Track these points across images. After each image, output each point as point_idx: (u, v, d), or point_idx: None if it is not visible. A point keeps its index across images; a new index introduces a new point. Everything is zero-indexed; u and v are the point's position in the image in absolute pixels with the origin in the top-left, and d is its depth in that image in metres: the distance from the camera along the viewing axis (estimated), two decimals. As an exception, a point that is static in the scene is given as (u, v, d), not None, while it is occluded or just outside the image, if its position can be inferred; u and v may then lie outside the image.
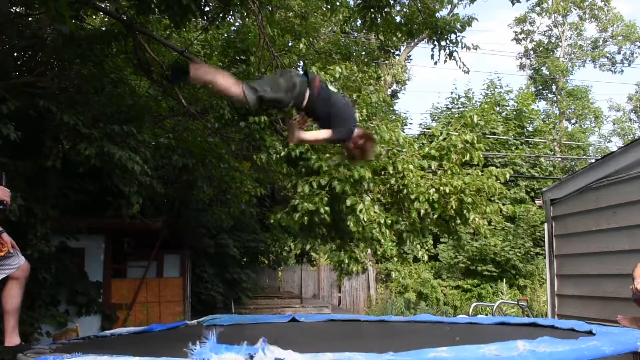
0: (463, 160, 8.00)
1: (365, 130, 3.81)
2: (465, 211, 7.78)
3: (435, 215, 7.77)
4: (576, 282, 6.26)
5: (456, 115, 20.49)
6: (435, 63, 8.59)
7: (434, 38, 8.17)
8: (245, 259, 13.46)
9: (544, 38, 32.55)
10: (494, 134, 20.15)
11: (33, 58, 7.25)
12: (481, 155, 8.04)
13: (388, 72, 22.76)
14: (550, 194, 6.66)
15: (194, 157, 7.99)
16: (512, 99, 22.89)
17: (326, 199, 6.81)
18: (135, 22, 6.84)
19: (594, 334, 3.37)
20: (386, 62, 21.57)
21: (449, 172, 7.90)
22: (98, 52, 7.06)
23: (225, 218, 9.75)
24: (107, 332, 4.58)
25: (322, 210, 6.73)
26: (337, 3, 9.60)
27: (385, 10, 7.89)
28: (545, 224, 6.86)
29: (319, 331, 4.59)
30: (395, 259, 15.48)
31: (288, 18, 9.58)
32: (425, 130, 20.52)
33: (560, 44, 31.79)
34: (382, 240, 7.49)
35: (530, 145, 21.45)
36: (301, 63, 9.91)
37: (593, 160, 8.58)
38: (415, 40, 20.06)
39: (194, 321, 5.00)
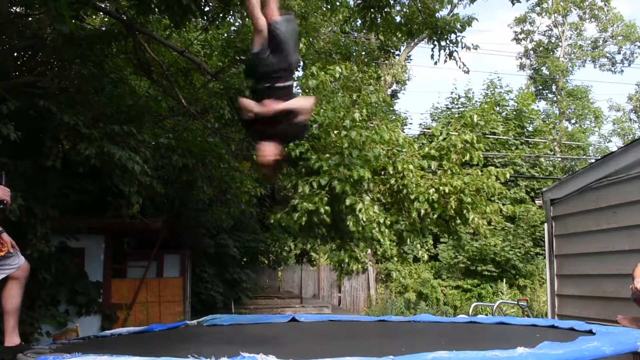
0: (463, 160, 7.99)
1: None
2: (465, 211, 7.78)
3: (435, 215, 7.77)
4: (576, 282, 6.26)
5: (456, 115, 20.49)
6: (435, 63, 8.59)
7: (434, 38, 8.17)
8: (245, 259, 13.46)
9: (544, 38, 32.58)
10: (494, 134, 20.15)
11: (33, 58, 7.25)
12: (481, 155, 8.04)
13: (388, 72, 22.76)
14: (550, 194, 6.66)
15: (194, 157, 7.99)
16: (512, 99, 22.90)
17: (326, 199, 6.81)
18: (135, 22, 6.84)
19: (593, 334, 3.37)
20: (386, 62, 21.57)
21: (449, 172, 7.89)
22: (98, 52, 7.06)
23: (225, 218, 9.75)
24: (107, 332, 4.58)
25: (321, 210, 6.73)
26: (337, 3, 9.60)
27: (385, 10, 7.90)
28: (545, 224, 6.86)
29: (318, 331, 4.59)
30: (395, 259, 15.50)
31: (288, 18, 9.57)
32: (425, 130, 20.52)
33: (560, 44, 31.79)
34: (382, 240, 7.48)
35: (530, 145, 21.45)
36: (301, 63, 9.92)
37: (593, 160, 8.58)
38: (415, 40, 20.04)
39: (194, 321, 5.01)
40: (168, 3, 5.80)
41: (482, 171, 8.16)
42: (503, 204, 11.69)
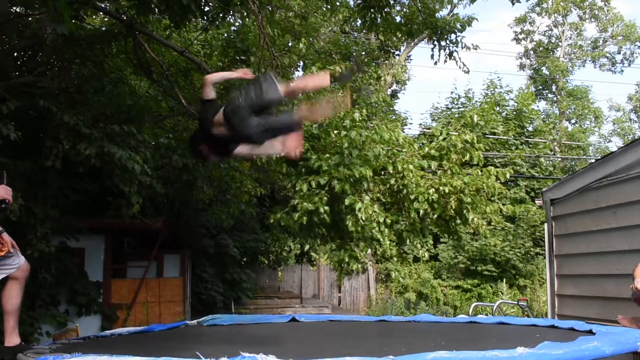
0: (463, 160, 7.99)
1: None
2: (465, 211, 7.78)
3: (435, 215, 7.77)
4: (576, 282, 6.25)
5: (456, 115, 20.49)
6: (435, 63, 8.59)
7: (434, 38, 8.17)
8: (245, 259, 13.46)
9: (544, 38, 32.57)
10: (494, 134, 20.15)
11: (33, 58, 7.25)
12: (481, 155, 8.04)
13: (388, 72, 22.76)
14: (550, 194, 6.66)
15: (193, 157, 7.98)
16: (512, 99, 22.89)
17: (326, 198, 6.81)
18: (135, 22, 6.84)
19: (593, 334, 3.37)
20: (386, 62, 21.57)
21: (449, 172, 7.89)
22: (98, 52, 7.06)
23: (225, 218, 9.75)
24: (107, 332, 4.58)
25: (321, 210, 6.73)
26: (337, 3, 9.60)
27: (385, 10, 7.89)
28: (545, 224, 6.86)
29: (318, 331, 4.59)
30: (395, 259, 15.50)
31: (288, 18, 9.58)
32: (425, 130, 20.52)
33: (560, 44, 31.79)
34: (382, 240, 7.48)
35: (530, 145, 21.45)
36: (301, 63, 9.92)
37: (593, 160, 8.58)
38: (415, 40, 20.05)
39: (194, 321, 5.01)
40: (168, 3, 5.80)
41: (482, 171, 8.16)
42: (503, 204, 11.69)
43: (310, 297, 18.61)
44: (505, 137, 20.48)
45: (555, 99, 31.04)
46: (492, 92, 22.91)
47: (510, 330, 4.17)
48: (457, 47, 8.21)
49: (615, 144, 30.30)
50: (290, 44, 9.21)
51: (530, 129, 22.37)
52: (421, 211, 7.56)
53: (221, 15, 6.98)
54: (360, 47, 11.81)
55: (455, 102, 22.82)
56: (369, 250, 10.85)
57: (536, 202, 12.55)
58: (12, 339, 3.56)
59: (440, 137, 8.23)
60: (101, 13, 8.35)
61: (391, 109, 21.34)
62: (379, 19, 7.98)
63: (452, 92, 23.17)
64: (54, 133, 6.29)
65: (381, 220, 7.21)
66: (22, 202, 5.82)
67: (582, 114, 29.66)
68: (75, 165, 6.40)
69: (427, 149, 8.18)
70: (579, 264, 6.20)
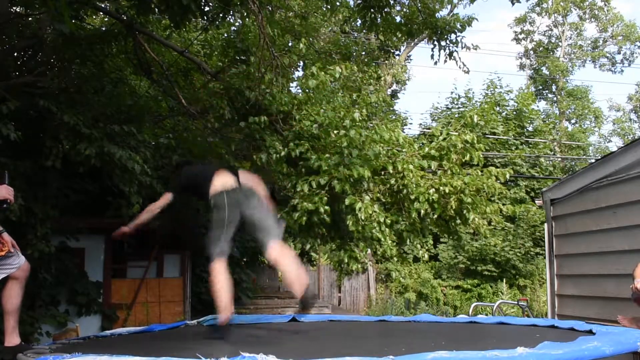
0: (463, 160, 7.98)
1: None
2: (465, 211, 7.77)
3: (435, 215, 7.76)
4: (576, 282, 6.25)
5: (456, 115, 20.49)
6: (435, 63, 8.58)
7: (434, 38, 8.17)
8: (245, 259, 13.45)
9: (544, 38, 32.57)
10: (494, 134, 20.15)
11: (33, 58, 7.25)
12: (481, 155, 8.03)
13: (388, 72, 22.76)
14: (550, 194, 6.66)
15: (194, 157, 7.98)
16: (512, 99, 22.89)
17: (326, 198, 6.80)
18: (135, 22, 6.84)
19: (594, 333, 3.37)
20: (386, 62, 21.56)
21: (449, 172, 7.88)
22: (98, 52, 7.07)
23: (225, 218, 9.72)
24: (107, 332, 4.58)
25: (321, 210, 6.72)
26: (337, 3, 9.60)
27: (385, 10, 7.89)
28: (545, 224, 6.86)
29: (318, 331, 4.59)
30: (395, 259, 15.49)
31: (288, 18, 9.58)
32: (425, 130, 20.52)
33: (560, 44, 31.78)
34: (382, 240, 7.47)
35: (530, 145, 21.45)
36: (301, 63, 9.91)
37: (593, 160, 8.58)
38: (415, 40, 20.05)
39: (194, 321, 5.01)
40: (168, 3, 5.81)
41: (482, 171, 8.15)
42: (503, 204, 11.69)
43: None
44: (505, 137, 20.49)
45: (555, 99, 31.03)
46: (492, 92, 22.92)
47: (510, 330, 4.17)
48: (457, 47, 8.21)
49: (615, 144, 30.33)
50: (290, 44, 9.21)
51: (530, 129, 22.37)
52: (421, 211, 7.56)
53: (221, 15, 6.98)
54: (360, 47, 11.80)
55: (455, 102, 22.82)
56: (369, 250, 10.84)
57: (536, 202, 12.55)
58: (12, 339, 3.56)
59: (440, 137, 8.22)
60: (101, 13, 8.35)
61: (391, 109, 21.34)
62: (379, 19, 7.98)
63: (452, 92, 23.20)
64: (54, 133, 6.29)
65: (381, 220, 7.20)
66: (22, 202, 5.83)
67: (582, 114, 29.66)
68: (75, 165, 6.40)
69: (427, 149, 8.17)
70: (579, 264, 6.20)
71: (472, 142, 7.83)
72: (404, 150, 8.13)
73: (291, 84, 8.49)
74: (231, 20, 8.94)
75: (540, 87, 31.31)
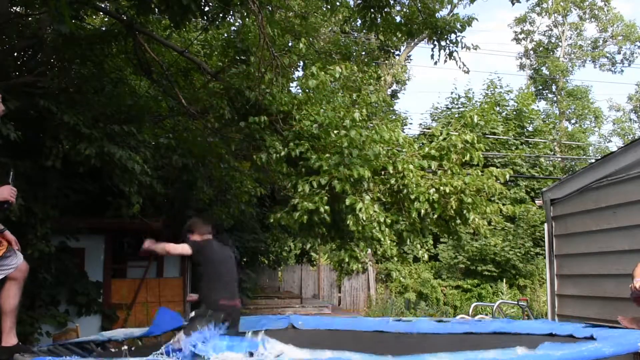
0: (463, 160, 7.97)
1: None
2: (465, 211, 7.76)
3: (435, 215, 7.75)
4: (576, 282, 6.25)
5: (456, 115, 20.48)
6: (435, 63, 8.58)
7: (434, 38, 8.16)
8: (245, 259, 13.46)
9: (544, 38, 32.56)
10: (494, 134, 20.14)
11: (33, 58, 7.25)
12: (481, 156, 8.02)
13: (388, 72, 22.75)
14: (550, 194, 6.65)
15: (194, 157, 7.99)
16: (512, 99, 22.88)
17: (326, 198, 6.80)
18: (135, 22, 6.84)
19: (594, 339, 3.36)
20: (386, 62, 21.55)
21: (449, 172, 7.88)
22: (98, 52, 7.07)
23: (225, 218, 9.74)
24: (106, 337, 4.54)
25: (322, 210, 6.71)
26: (337, 3, 9.59)
27: (385, 10, 7.89)
28: (545, 224, 6.85)
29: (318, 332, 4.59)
30: (395, 259, 15.49)
31: (288, 18, 9.57)
32: (425, 130, 20.51)
33: (560, 44, 31.77)
34: (382, 240, 7.47)
35: (530, 145, 21.44)
36: (301, 63, 9.90)
37: (593, 160, 8.58)
38: (415, 40, 20.05)
39: (194, 321, 4.99)
40: (168, 3, 5.80)
41: (482, 171, 8.15)
42: (503, 204, 11.69)
43: (310, 297, 18.61)
44: (505, 137, 20.47)
45: (555, 99, 31.03)
46: (492, 92, 22.91)
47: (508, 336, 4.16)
48: (457, 47, 8.21)
49: (615, 144, 30.33)
50: (290, 44, 9.20)
51: (530, 129, 22.35)
52: (421, 211, 7.55)
53: (221, 15, 6.98)
54: (360, 47, 11.79)
55: (455, 102, 22.81)
56: (369, 250, 10.83)
57: (536, 202, 12.55)
58: (10, 339, 3.56)
59: (440, 137, 8.21)
60: (101, 13, 8.34)
61: (391, 109, 21.34)
62: (379, 19, 7.98)
63: (452, 92, 23.19)
64: (54, 133, 6.29)
65: (381, 220, 7.19)
66: (22, 202, 5.83)
67: (582, 114, 29.65)
68: (75, 165, 6.40)
69: (427, 149, 8.16)
70: (579, 264, 6.20)
71: (472, 142, 7.82)
72: (404, 150, 8.12)
73: (291, 84, 8.49)
74: (231, 20, 8.94)
75: (540, 87, 31.30)
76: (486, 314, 11.41)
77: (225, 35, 9.22)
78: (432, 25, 8.07)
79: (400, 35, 9.11)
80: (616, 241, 5.55)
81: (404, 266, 18.21)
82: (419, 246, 12.41)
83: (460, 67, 8.62)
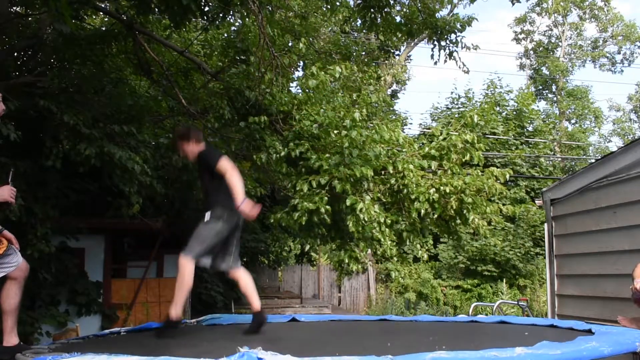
0: (463, 160, 7.98)
1: None
2: (465, 211, 7.76)
3: (435, 215, 7.76)
4: (576, 282, 6.25)
5: (456, 115, 20.48)
6: (435, 63, 8.58)
7: (434, 38, 8.16)
8: (245, 259, 13.45)
9: (544, 38, 32.56)
10: (494, 134, 20.14)
11: (33, 58, 7.26)
12: (481, 155, 8.03)
13: (388, 72, 22.75)
14: (550, 194, 6.66)
15: (193, 157, 7.96)
16: (512, 99, 22.89)
17: (326, 198, 6.80)
18: (135, 22, 6.84)
19: (592, 333, 3.37)
20: (386, 62, 21.56)
21: (449, 172, 7.88)
22: (98, 52, 7.07)
23: (225, 218, 9.72)
24: (106, 331, 4.57)
25: (322, 210, 6.72)
26: (337, 3, 9.59)
27: (385, 10, 7.89)
28: (545, 224, 6.86)
29: (318, 330, 4.59)
30: (395, 259, 15.48)
31: (288, 18, 9.57)
32: (425, 130, 20.51)
33: (560, 44, 31.78)
34: (382, 240, 7.47)
35: (530, 145, 21.44)
36: (301, 63, 9.91)
37: (593, 160, 8.58)
38: (415, 40, 20.06)
39: (194, 321, 5.01)
40: (168, 3, 5.80)
41: (482, 171, 8.15)
42: (503, 204, 11.69)
43: (310, 297, 18.61)
44: (505, 137, 20.48)
45: (555, 99, 31.03)
46: (492, 92, 22.92)
47: (509, 330, 4.17)
48: (457, 47, 8.21)
49: (615, 144, 30.33)
50: (290, 44, 9.21)
51: (530, 129, 22.36)
52: (422, 211, 7.55)
53: (221, 15, 6.98)
54: (360, 47, 11.79)
55: (455, 102, 22.82)
56: (369, 250, 10.82)
57: (536, 202, 12.55)
58: (11, 339, 3.56)
59: (440, 137, 8.22)
60: (101, 13, 8.35)
61: (391, 109, 21.34)
62: (379, 19, 7.98)
63: (452, 92, 23.21)
64: (54, 133, 6.30)
65: (381, 220, 7.20)
66: (22, 202, 5.83)
67: (582, 114, 29.66)
68: (75, 165, 6.40)
69: (427, 149, 8.17)
70: (579, 264, 6.20)
71: (472, 142, 7.83)
72: (404, 150, 8.13)
73: (291, 84, 8.49)
74: (231, 20, 8.94)
75: (540, 87, 31.31)
76: (486, 314, 11.41)
77: (225, 35, 9.22)
78: (432, 25, 8.07)
79: (400, 35, 9.11)
80: (616, 241, 5.56)
81: (404, 266, 18.21)
82: (419, 246, 12.43)
83: (460, 67, 8.63)
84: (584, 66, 33.97)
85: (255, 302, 4.14)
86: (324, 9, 10.37)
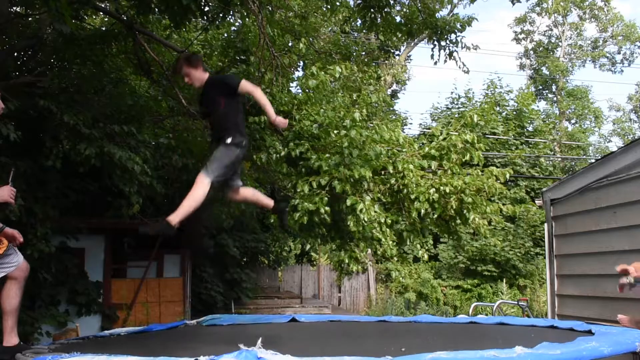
0: (463, 160, 7.99)
1: None
2: (465, 211, 7.77)
3: (435, 215, 7.77)
4: (576, 282, 6.25)
5: (456, 115, 20.48)
6: (435, 63, 8.59)
7: (434, 38, 8.17)
8: (245, 259, 13.46)
9: (544, 38, 32.55)
10: (494, 134, 20.14)
11: (33, 58, 7.26)
12: (481, 155, 8.03)
13: (388, 72, 22.75)
14: (550, 194, 6.66)
15: (194, 157, 7.98)
16: (512, 99, 22.89)
17: (326, 198, 6.81)
18: (135, 22, 6.84)
19: (593, 334, 3.37)
20: (386, 62, 21.56)
21: (449, 172, 7.89)
22: (98, 52, 7.07)
23: (225, 218, 9.74)
24: (107, 332, 4.58)
25: (322, 210, 6.72)
26: (337, 3, 9.59)
27: (385, 10, 7.89)
28: (545, 224, 6.86)
29: (318, 331, 4.59)
30: (395, 259, 15.48)
31: (288, 18, 9.57)
32: (425, 130, 20.51)
33: (560, 44, 31.77)
34: (383, 240, 7.48)
35: (530, 145, 21.44)
36: (301, 63, 9.90)
37: (593, 160, 8.58)
38: (415, 40, 20.06)
39: (194, 321, 5.01)
40: (168, 3, 5.81)
41: (482, 171, 8.16)
42: (503, 204, 11.69)
43: (310, 297, 18.60)
44: (505, 137, 20.48)
45: (555, 99, 31.03)
46: (492, 92, 22.91)
47: (509, 330, 4.17)
48: (457, 47, 8.21)
49: (615, 144, 30.32)
50: (290, 44, 9.21)
51: (530, 129, 22.36)
52: (422, 211, 7.56)
53: (221, 15, 6.98)
54: (360, 47, 11.79)
55: (455, 102, 22.81)
56: (369, 250, 10.83)
57: (536, 202, 12.53)
58: (11, 339, 3.56)
59: (440, 137, 8.22)
60: (101, 13, 8.35)
61: (391, 109, 21.34)
62: (379, 19, 7.98)
63: (452, 92, 23.20)
64: (54, 133, 6.29)
65: (382, 220, 7.21)
66: (22, 202, 5.83)
67: (582, 114, 29.65)
68: (75, 165, 6.40)
69: (427, 149, 8.18)
70: (579, 264, 6.20)
71: (472, 142, 7.83)
72: (404, 150, 8.13)
73: (291, 84, 8.49)
74: (231, 20, 8.93)
75: (540, 87, 31.30)
76: (486, 314, 11.41)
77: (225, 35, 9.22)
78: (432, 25, 8.07)
79: (400, 35, 9.11)
80: (616, 241, 5.56)
81: (404, 266, 18.20)
82: (419, 246, 12.42)
83: (460, 67, 8.64)
84: (584, 66, 34.00)
85: (267, 202, 4.32)
86: (324, 9, 10.36)
